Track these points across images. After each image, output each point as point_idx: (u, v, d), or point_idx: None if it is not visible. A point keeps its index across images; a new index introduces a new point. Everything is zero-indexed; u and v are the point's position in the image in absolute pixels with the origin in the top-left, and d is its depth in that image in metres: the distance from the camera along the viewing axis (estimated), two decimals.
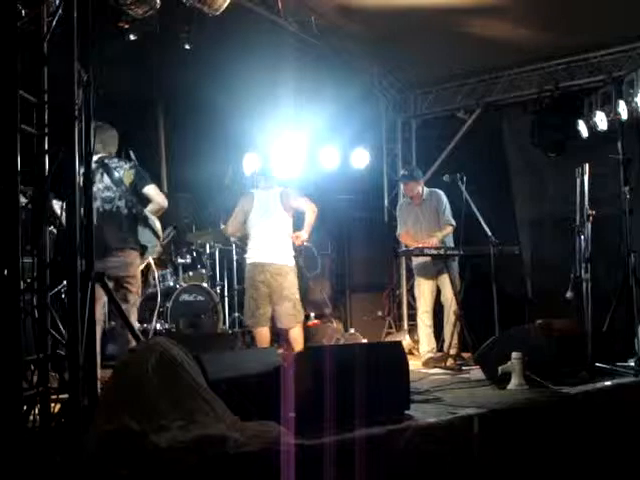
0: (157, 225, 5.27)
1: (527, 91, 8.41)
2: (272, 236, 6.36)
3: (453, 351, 6.59)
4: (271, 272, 6.28)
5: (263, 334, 6.35)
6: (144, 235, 5.15)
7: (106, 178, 5.00)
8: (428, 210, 7.10)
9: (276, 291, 6.29)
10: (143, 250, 5.17)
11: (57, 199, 3.87)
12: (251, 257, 6.44)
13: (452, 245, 6.95)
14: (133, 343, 4.41)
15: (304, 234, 6.40)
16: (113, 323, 5.50)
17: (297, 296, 6.38)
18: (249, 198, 6.52)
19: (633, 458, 4.32)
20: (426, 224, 7.07)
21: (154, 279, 6.95)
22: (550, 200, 8.23)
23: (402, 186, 7.22)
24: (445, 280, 6.77)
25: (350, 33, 7.61)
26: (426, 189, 7.16)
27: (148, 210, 5.19)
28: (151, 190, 5.16)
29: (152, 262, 6.85)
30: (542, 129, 8.18)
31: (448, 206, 7.05)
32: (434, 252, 6.68)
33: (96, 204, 4.47)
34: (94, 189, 3.98)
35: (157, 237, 5.27)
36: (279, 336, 8.13)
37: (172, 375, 3.07)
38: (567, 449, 4.01)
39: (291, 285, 6.33)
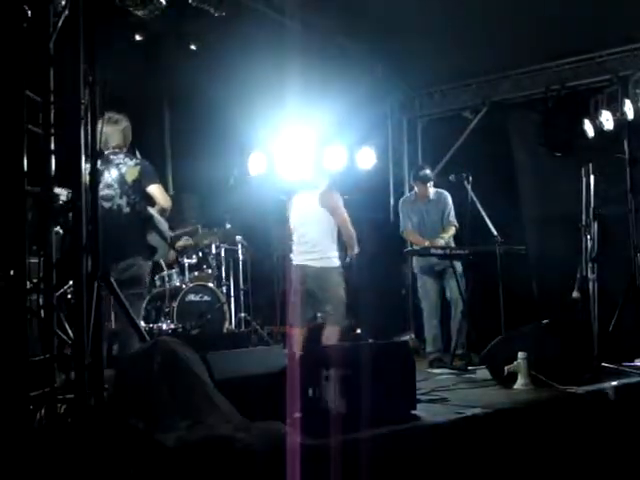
0: (164, 226, 5.02)
1: (533, 90, 8.40)
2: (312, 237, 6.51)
3: (459, 351, 6.59)
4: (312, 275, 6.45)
5: (297, 334, 6.44)
6: (150, 237, 4.90)
7: (107, 175, 4.79)
8: (434, 210, 7.09)
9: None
10: (152, 253, 4.94)
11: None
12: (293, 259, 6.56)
13: (453, 245, 6.96)
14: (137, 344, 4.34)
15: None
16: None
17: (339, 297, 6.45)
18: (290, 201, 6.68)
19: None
20: (430, 224, 7.07)
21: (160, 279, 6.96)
22: (556, 199, 8.20)
23: (417, 185, 7.18)
24: (450, 280, 6.76)
25: (355, 33, 7.61)
26: (433, 189, 7.14)
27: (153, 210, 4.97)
28: (155, 190, 4.91)
29: (163, 264, 6.87)
30: (548, 128, 8.17)
31: (453, 208, 7.06)
32: (440, 252, 6.68)
33: None
34: None
35: (164, 239, 5.01)
36: (284, 335, 8.14)
37: (178, 375, 3.07)
38: (573, 449, 4.00)
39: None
